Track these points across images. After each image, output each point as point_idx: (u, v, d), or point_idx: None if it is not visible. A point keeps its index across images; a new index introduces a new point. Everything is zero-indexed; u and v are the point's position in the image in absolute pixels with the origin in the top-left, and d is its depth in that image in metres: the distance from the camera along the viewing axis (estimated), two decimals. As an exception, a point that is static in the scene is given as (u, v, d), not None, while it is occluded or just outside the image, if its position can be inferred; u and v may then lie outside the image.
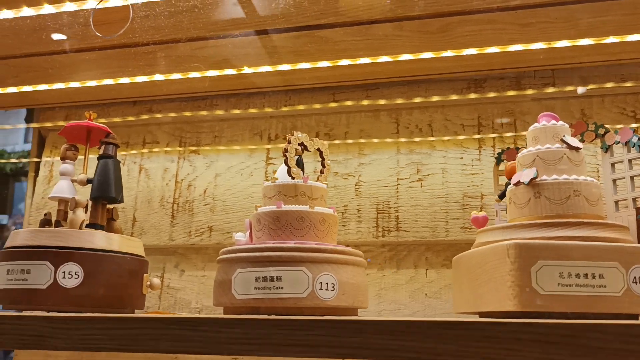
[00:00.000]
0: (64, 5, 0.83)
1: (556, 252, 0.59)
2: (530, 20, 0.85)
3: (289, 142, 0.80)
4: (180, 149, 1.23)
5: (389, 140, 1.11)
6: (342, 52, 0.98)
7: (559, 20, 0.84)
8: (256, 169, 1.16)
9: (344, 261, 0.71)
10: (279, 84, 1.13)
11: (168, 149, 1.23)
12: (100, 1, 0.76)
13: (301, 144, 0.82)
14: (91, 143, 0.93)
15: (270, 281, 0.68)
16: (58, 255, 0.77)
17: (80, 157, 0.91)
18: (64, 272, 0.77)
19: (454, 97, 1.10)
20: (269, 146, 1.18)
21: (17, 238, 0.81)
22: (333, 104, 1.15)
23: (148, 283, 0.87)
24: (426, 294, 1.03)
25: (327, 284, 0.69)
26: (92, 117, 0.92)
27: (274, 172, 1.15)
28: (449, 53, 0.97)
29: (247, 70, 1.06)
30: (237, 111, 1.20)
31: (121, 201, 0.87)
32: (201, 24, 0.93)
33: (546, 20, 0.84)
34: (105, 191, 0.84)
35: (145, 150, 1.24)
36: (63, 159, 0.89)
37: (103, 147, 0.88)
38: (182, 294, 1.14)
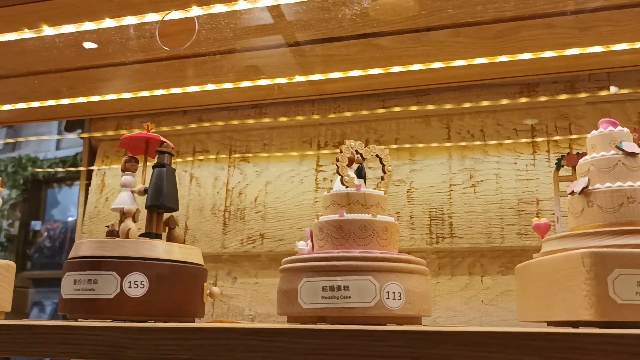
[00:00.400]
0: (124, 19, 0.85)
1: (633, 261, 0.58)
2: (590, 24, 0.84)
3: (341, 152, 0.80)
4: (230, 157, 1.24)
5: (440, 145, 1.11)
6: (395, 59, 0.98)
7: (620, 23, 0.82)
8: (306, 177, 1.17)
9: (410, 270, 0.71)
10: (328, 92, 1.14)
11: (218, 157, 1.25)
12: (166, 14, 0.77)
13: (357, 152, 0.82)
14: (149, 153, 0.94)
15: (338, 290, 0.68)
16: (124, 266, 0.78)
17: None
18: (130, 282, 0.78)
19: (505, 101, 1.09)
20: (318, 153, 1.18)
21: (82, 249, 0.83)
22: (383, 111, 1.15)
23: (208, 291, 0.88)
24: (482, 301, 1.02)
25: (393, 293, 0.69)
26: (149, 128, 0.93)
27: (325, 179, 1.15)
28: (503, 58, 0.96)
29: (298, 79, 1.06)
30: (286, 119, 1.21)
31: (176, 209, 0.87)
32: (255, 34, 0.93)
33: (607, 23, 0.83)
34: (158, 200, 0.85)
35: (195, 159, 1.26)
36: (123, 170, 0.91)
37: (157, 156, 0.89)
38: (235, 301, 1.15)
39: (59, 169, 1.65)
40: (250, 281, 1.16)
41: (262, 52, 1.00)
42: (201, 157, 1.26)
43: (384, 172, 0.82)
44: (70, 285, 0.79)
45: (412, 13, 0.82)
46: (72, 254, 0.84)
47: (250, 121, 1.23)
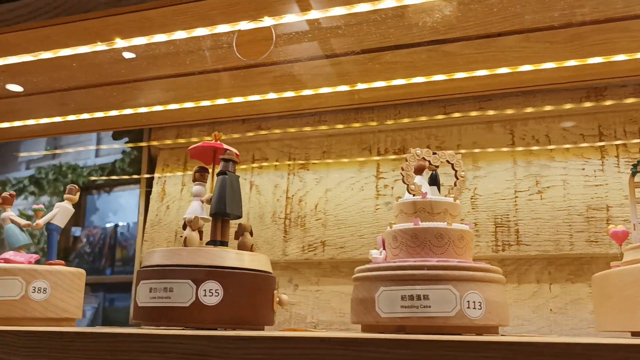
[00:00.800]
0: (194, 30, 0.86)
1: None
2: (667, 26, 0.82)
3: (406, 160, 0.80)
4: (289, 164, 1.24)
5: (504, 151, 1.10)
6: (460, 65, 0.97)
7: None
8: (367, 184, 1.17)
9: (489, 279, 0.70)
10: (389, 99, 1.14)
11: (277, 164, 1.25)
12: (237, 25, 0.78)
13: (424, 159, 0.81)
14: (217, 162, 0.95)
15: (417, 300, 0.68)
16: (199, 274, 0.79)
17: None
18: (205, 290, 0.79)
19: (571, 106, 1.07)
20: (379, 160, 1.18)
21: (155, 257, 0.84)
22: (444, 117, 1.14)
23: (277, 299, 0.88)
24: (551, 310, 1.00)
25: (474, 302, 0.68)
26: (217, 138, 0.94)
27: (385, 186, 1.15)
28: (572, 62, 0.95)
29: (360, 86, 1.07)
30: (345, 126, 1.21)
31: (240, 216, 0.87)
32: (320, 42, 0.94)
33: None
34: (220, 207, 0.85)
35: (255, 166, 1.27)
36: (194, 181, 0.92)
37: (221, 164, 0.90)
38: (297, 308, 1.16)
39: (125, 177, 1.68)
40: (311, 288, 1.16)
41: (326, 61, 1.00)
42: (260, 165, 1.27)
43: (457, 178, 0.81)
44: (146, 293, 0.81)
45: (484, 19, 0.82)
46: (145, 262, 0.85)
47: (309, 129, 1.24)
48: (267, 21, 0.80)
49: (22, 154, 2.02)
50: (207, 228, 0.89)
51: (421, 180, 0.80)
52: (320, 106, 1.18)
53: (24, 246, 1.02)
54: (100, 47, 0.90)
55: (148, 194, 1.39)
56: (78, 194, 1.02)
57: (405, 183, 0.79)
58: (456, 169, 0.82)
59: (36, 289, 0.93)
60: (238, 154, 0.89)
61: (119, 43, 0.90)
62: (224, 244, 0.87)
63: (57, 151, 1.99)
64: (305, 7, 0.80)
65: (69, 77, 1.10)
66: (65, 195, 1.02)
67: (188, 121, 1.31)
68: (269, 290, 0.86)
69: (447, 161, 0.82)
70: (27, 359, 0.72)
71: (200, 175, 0.93)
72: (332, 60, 0.99)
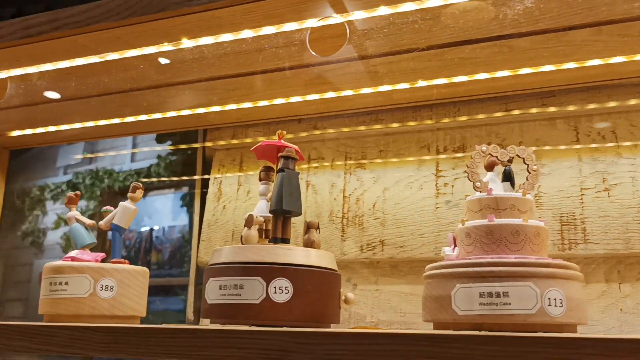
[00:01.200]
0: (261, 29, 0.86)
1: None
2: None
3: (472, 157, 0.79)
4: (346, 164, 1.24)
5: (568, 148, 1.07)
6: (526, 60, 0.95)
7: None
8: (426, 182, 1.16)
9: (569, 276, 0.69)
10: (448, 96, 1.12)
11: (333, 164, 1.25)
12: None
13: (492, 155, 0.80)
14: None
15: (497, 297, 0.67)
16: (269, 271, 0.79)
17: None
18: (275, 287, 0.79)
19: (638, 101, 1.04)
20: (437, 158, 1.17)
21: (223, 255, 0.84)
22: (505, 114, 1.12)
23: (344, 297, 0.88)
24: (621, 310, 0.98)
25: (555, 299, 0.67)
26: (281, 136, 0.94)
27: (445, 184, 1.14)
28: (642, 56, 0.92)
29: (420, 83, 1.06)
30: (403, 124, 1.20)
31: (299, 213, 0.86)
32: (382, 40, 0.93)
33: None
34: (277, 204, 0.84)
35: (311, 166, 1.27)
36: (260, 180, 0.92)
37: (281, 161, 0.89)
38: (356, 308, 1.15)
39: (174, 178, 1.70)
40: (370, 288, 1.15)
41: (387, 59, 1.00)
42: (317, 165, 1.27)
43: (528, 172, 0.80)
44: (216, 291, 0.81)
45: (555, 12, 0.80)
46: (213, 260, 0.85)
47: (366, 127, 1.23)
48: (336, 18, 0.79)
49: (59, 160, 2.06)
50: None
51: (493, 177, 0.79)
52: (377, 104, 1.18)
53: (88, 245, 1.03)
54: (166, 47, 0.91)
55: (203, 194, 1.40)
56: (139, 191, 1.02)
57: (470, 180, 0.78)
58: (527, 163, 0.80)
59: (104, 287, 0.95)
60: (298, 150, 0.88)
61: (185, 43, 0.91)
62: (285, 241, 0.86)
63: (96, 154, 2.02)
64: (373, 4, 0.80)
65: (126, 79, 1.12)
66: (128, 194, 1.03)
67: (244, 121, 1.32)
68: (336, 288, 0.86)
69: (517, 155, 0.81)
70: (104, 354, 0.73)
71: (266, 175, 0.93)
72: (393, 58, 0.99)
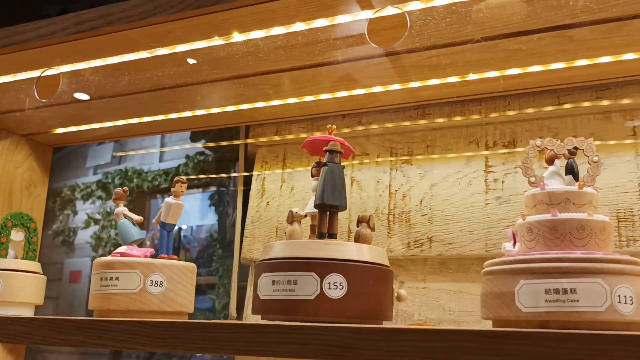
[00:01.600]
0: (314, 22, 0.85)
1: None
2: None
3: (527, 153, 0.77)
4: (392, 159, 1.22)
5: (624, 143, 1.04)
6: (583, 51, 0.92)
7: None
8: (475, 178, 1.13)
9: (638, 272, 0.66)
10: (497, 90, 1.10)
11: (379, 160, 1.24)
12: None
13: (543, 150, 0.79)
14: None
15: (563, 293, 0.64)
16: (323, 266, 0.78)
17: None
18: (329, 282, 0.78)
19: (699, 93, 1.01)
20: (487, 154, 1.14)
21: (275, 250, 0.83)
22: (557, 107, 1.09)
23: (396, 294, 0.86)
24: (683, 310, 0.94)
25: (625, 297, 0.64)
26: (331, 131, 0.93)
27: (495, 180, 1.11)
28: None
29: (471, 77, 1.03)
30: (450, 119, 1.18)
31: (342, 206, 0.84)
32: (433, 30, 0.91)
33: None
34: (319, 198, 0.83)
35: (355, 162, 1.26)
36: (312, 176, 0.91)
37: (326, 155, 0.88)
38: (403, 306, 1.13)
39: (213, 175, 1.71)
40: (418, 285, 1.13)
41: (435, 51, 0.98)
42: (362, 160, 1.25)
43: (589, 164, 0.77)
44: (269, 287, 0.80)
45: (622, 0, 0.77)
46: (264, 256, 0.84)
47: (412, 123, 1.21)
48: (389, 10, 0.78)
49: (89, 160, 2.08)
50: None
51: (554, 170, 0.77)
52: (425, 99, 1.16)
53: (136, 241, 1.04)
54: (216, 41, 0.91)
55: (246, 192, 1.40)
56: (178, 185, 1.01)
57: (525, 177, 0.76)
58: (587, 154, 0.78)
59: (153, 282, 0.95)
60: (344, 142, 0.87)
61: (236, 37, 0.90)
62: (332, 236, 0.85)
63: (126, 153, 2.03)
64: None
65: (173, 75, 1.12)
66: (171, 189, 1.03)
67: (288, 117, 1.31)
68: (389, 284, 0.84)
69: (576, 147, 0.78)
70: (160, 349, 0.72)
71: (317, 171, 0.92)
72: (444, 50, 0.97)
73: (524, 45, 0.91)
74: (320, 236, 0.84)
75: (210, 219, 1.80)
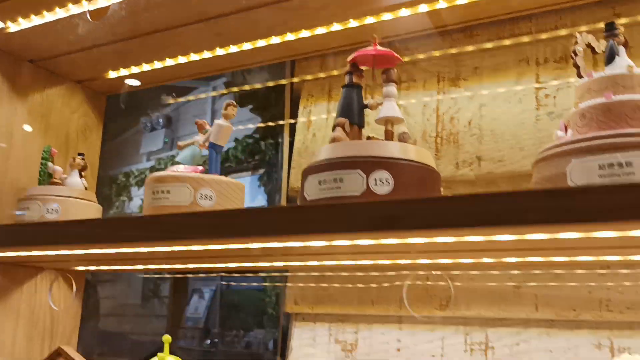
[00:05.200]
0: None
1: None
2: None
3: (576, 43, 0.76)
4: (439, 83, 1.20)
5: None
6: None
7: None
8: (525, 95, 1.11)
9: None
10: (547, 4, 1.06)
11: (425, 84, 1.22)
12: None
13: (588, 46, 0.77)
14: (377, 66, 0.93)
15: (619, 167, 0.62)
16: (369, 164, 0.77)
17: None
18: (375, 179, 0.77)
19: None
20: (537, 70, 1.11)
21: (320, 154, 0.83)
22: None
23: (444, 197, 0.85)
24: None
25: (684, 169, 0.62)
26: (376, 43, 0.91)
27: (546, 96, 1.08)
28: None
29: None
30: (499, 39, 1.15)
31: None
32: None
33: None
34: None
35: (401, 88, 1.24)
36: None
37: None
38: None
39: (261, 125, 1.72)
40: (467, 207, 1.12)
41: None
42: (408, 86, 1.24)
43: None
44: (315, 187, 0.80)
45: None
46: (310, 163, 0.84)
47: (459, 45, 1.19)
48: None
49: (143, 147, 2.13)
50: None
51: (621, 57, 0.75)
52: (471, 18, 1.12)
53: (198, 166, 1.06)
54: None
55: (292, 131, 1.40)
56: (230, 108, 1.03)
57: (575, 67, 0.76)
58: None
59: (203, 196, 0.96)
60: (391, 52, 0.87)
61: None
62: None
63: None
64: None
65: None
66: (222, 112, 1.04)
67: (333, 48, 1.29)
68: (436, 185, 0.83)
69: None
70: (211, 238, 0.73)
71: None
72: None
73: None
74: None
75: (260, 201, 1.81)
